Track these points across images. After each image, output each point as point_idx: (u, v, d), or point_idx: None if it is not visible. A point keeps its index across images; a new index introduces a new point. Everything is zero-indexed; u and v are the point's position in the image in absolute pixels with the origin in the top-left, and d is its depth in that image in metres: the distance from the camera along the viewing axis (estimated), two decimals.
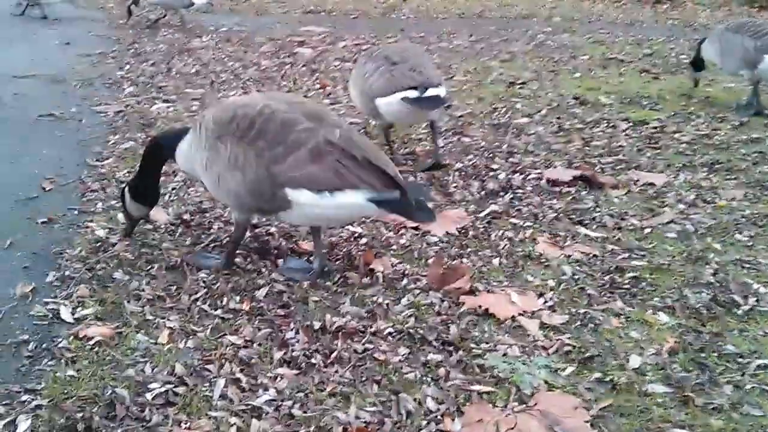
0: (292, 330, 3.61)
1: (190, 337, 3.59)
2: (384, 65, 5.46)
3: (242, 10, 13.88)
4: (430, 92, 5.28)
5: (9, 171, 5.59)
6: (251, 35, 11.22)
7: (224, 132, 3.72)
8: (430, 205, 3.86)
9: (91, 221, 4.72)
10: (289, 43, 10.63)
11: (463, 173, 5.76)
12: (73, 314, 3.74)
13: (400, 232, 4.73)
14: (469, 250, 4.56)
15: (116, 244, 4.42)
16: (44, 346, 3.49)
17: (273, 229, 4.71)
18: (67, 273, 4.10)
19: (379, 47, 6.61)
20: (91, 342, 3.51)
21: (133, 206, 4.34)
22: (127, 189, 4.32)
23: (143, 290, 3.95)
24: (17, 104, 7.33)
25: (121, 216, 4.66)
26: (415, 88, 5.26)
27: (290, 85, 8.35)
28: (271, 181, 3.57)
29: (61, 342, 3.51)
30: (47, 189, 5.28)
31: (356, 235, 4.67)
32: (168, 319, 3.72)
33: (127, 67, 9.08)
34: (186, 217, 4.81)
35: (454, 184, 5.54)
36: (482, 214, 5.03)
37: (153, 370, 3.31)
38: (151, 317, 3.73)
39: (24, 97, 7.59)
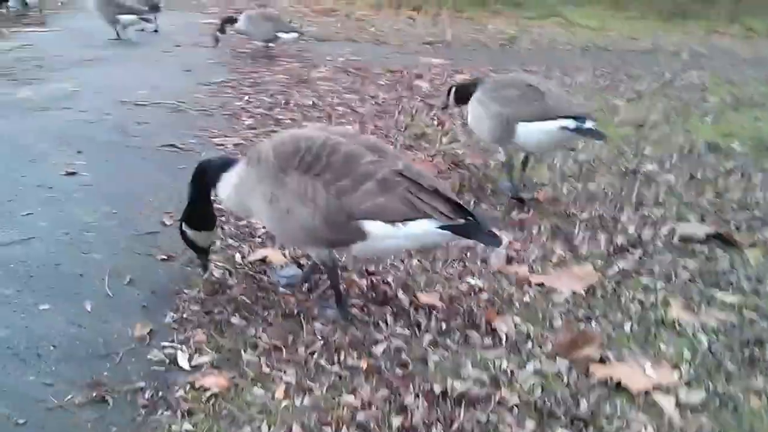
0: (411, 394, 3.48)
1: (307, 394, 3.50)
2: (529, 91, 5.50)
3: (361, 39, 13.95)
4: (589, 124, 5.35)
5: (132, 203, 5.64)
6: (369, 66, 11.23)
7: (288, 165, 3.71)
8: (496, 230, 3.89)
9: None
10: (406, 75, 10.56)
11: (589, 224, 5.55)
12: (190, 361, 3.72)
13: (523, 288, 4.56)
14: (597, 312, 4.35)
15: (233, 287, 4.39)
16: (161, 394, 3.47)
17: (390, 278, 4.60)
18: (185, 315, 4.09)
19: (510, 75, 6.69)
20: (208, 393, 3.46)
21: (197, 236, 4.33)
22: (183, 224, 4.32)
23: (260, 338, 3.91)
24: (141, 133, 7.46)
25: (238, 256, 4.65)
26: (573, 117, 5.30)
27: (407, 120, 8.28)
28: (344, 213, 3.60)
29: (177, 391, 3.47)
30: (167, 224, 5.30)
31: (476, 289, 4.53)
32: (284, 373, 3.66)
33: (246, 98, 9.17)
34: (302, 261, 4.75)
35: (580, 236, 5.34)
36: (610, 272, 4.81)
37: (270, 429, 3.23)
38: (267, 369, 3.67)
39: (147, 126, 7.73)
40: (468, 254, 5.00)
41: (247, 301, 4.26)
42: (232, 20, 12.25)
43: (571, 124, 5.29)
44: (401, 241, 3.63)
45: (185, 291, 4.35)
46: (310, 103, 8.82)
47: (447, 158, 6.81)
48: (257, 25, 11.94)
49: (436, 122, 8.18)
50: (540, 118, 5.37)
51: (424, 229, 3.53)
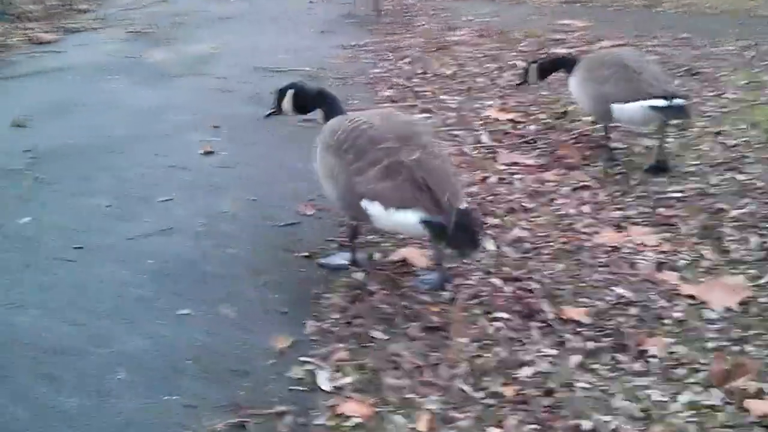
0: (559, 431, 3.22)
1: (450, 426, 3.28)
2: (622, 71, 5.52)
3: None
4: (677, 102, 5.34)
5: (269, 189, 5.52)
6: (508, 29, 10.75)
7: (329, 143, 4.05)
8: (479, 235, 3.86)
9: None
10: (546, 41, 10.06)
11: (739, 222, 5.05)
12: (330, 381, 3.53)
13: (673, 301, 4.19)
14: (752, 332, 3.93)
15: (375, 292, 4.19)
16: (300, 421, 3.30)
17: (534, 285, 4.30)
18: (325, 326, 3.92)
19: (606, 52, 6.75)
20: (350, 422, 3.28)
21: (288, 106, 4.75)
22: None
23: (402, 356, 3.69)
24: None
25: (378, 255, 4.49)
26: (663, 97, 5.30)
27: (548, 95, 7.83)
28: (353, 192, 3.83)
29: (318, 418, 3.31)
30: (307, 214, 5.13)
31: (625, 301, 4.18)
32: (428, 399, 3.43)
33: (384, 64, 8.91)
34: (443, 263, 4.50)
35: (730, 237, 4.86)
36: (764, 281, 4.35)
37: None
38: (410, 395, 3.46)
39: None
40: (614, 257, 4.64)
41: (389, 310, 4.05)
42: None
43: (660, 103, 5.29)
44: (394, 225, 3.83)
45: (325, 295, 4.16)
46: (449, 72, 8.45)
47: (591, 141, 6.36)
48: None
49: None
50: (631, 99, 5.41)
51: (409, 219, 3.65)
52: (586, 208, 5.15)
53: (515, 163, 5.88)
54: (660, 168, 5.72)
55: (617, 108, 5.54)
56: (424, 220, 3.62)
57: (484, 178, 5.61)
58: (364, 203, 3.81)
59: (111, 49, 9.53)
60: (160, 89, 7.84)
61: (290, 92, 4.73)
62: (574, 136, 6.48)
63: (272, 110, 4.89)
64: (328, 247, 4.70)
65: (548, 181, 5.57)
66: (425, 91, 7.75)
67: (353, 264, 4.36)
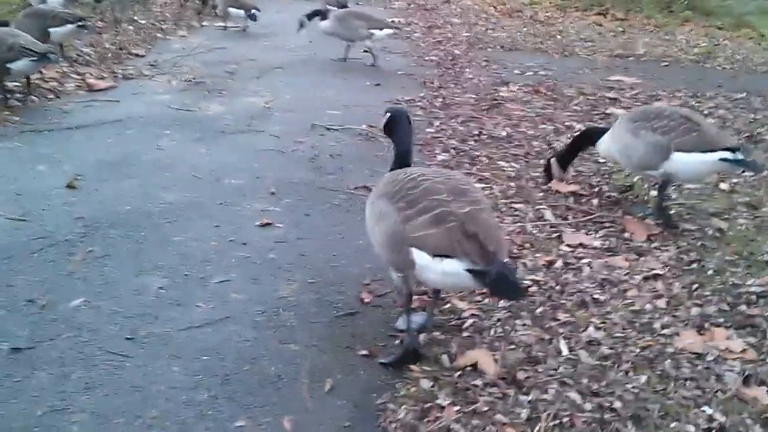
0: None
1: None
2: (684, 121, 5.48)
3: (547, 49, 13.03)
4: (745, 156, 5.31)
5: (329, 269, 5.18)
6: (559, 84, 10.37)
7: (384, 192, 4.04)
8: (520, 286, 3.76)
9: (415, 365, 4.11)
10: (600, 99, 9.66)
11: None
12: None
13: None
14: None
15: (445, 406, 3.79)
16: None
17: (617, 403, 3.88)
18: None
19: (653, 106, 6.91)
20: None
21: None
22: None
23: None
24: (334, 170, 7.04)
25: (445, 358, 4.10)
26: (733, 149, 5.26)
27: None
28: (401, 238, 3.75)
29: None
30: (366, 302, 4.77)
31: (716, 426, 3.73)
32: None
33: (437, 123, 8.56)
34: (519, 375, 4.09)
35: None
36: None
37: None
38: None
39: (339, 159, 7.30)
40: (699, 366, 4.21)
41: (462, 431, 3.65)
42: (322, 15, 11.53)
43: (730, 155, 5.24)
44: (438, 275, 3.67)
45: (390, 406, 3.78)
46: (504, 134, 8.08)
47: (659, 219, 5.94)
48: (348, 26, 11.26)
49: None
50: (699, 149, 5.35)
51: (455, 268, 3.55)
52: (661, 303, 4.73)
53: (581, 245, 5.49)
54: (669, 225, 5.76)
55: (680, 158, 5.42)
56: (469, 269, 3.50)
57: (550, 263, 5.20)
58: (412, 251, 3.72)
59: (165, 99, 9.28)
60: (215, 148, 7.55)
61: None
62: (640, 215, 6.01)
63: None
64: (389, 344, 4.31)
65: (618, 268, 5.15)
66: (481, 156, 7.36)
67: (407, 332, 4.18)
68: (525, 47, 13.18)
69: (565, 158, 6.42)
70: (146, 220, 5.82)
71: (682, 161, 5.44)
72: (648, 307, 4.67)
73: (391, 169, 4.40)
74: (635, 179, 6.59)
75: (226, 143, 7.73)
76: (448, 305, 4.68)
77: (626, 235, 5.67)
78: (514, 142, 7.85)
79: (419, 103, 9.38)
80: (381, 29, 11.39)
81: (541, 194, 6.46)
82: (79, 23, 10.51)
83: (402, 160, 4.46)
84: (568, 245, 5.47)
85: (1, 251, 5.23)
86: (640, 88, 10.18)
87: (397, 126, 4.57)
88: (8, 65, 8.30)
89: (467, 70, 11.32)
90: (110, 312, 4.53)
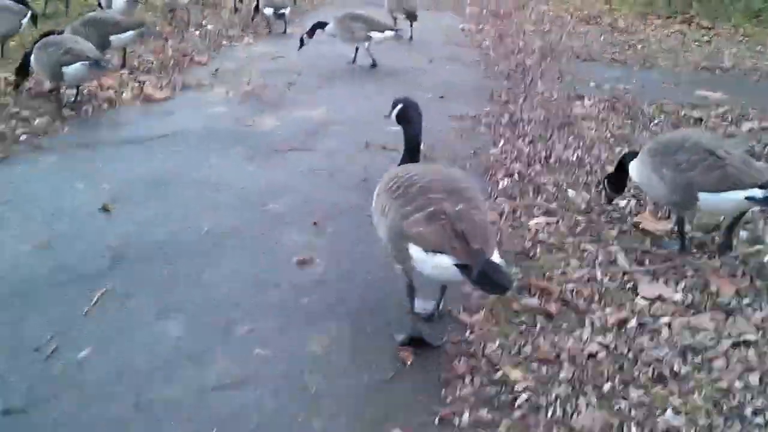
0: None
1: None
2: (707, 156, 4.90)
3: (626, 60, 12.09)
4: None
5: (366, 320, 4.55)
6: (638, 100, 9.49)
7: (384, 188, 4.21)
8: (505, 282, 3.57)
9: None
10: (683, 118, 8.77)
11: None
12: None
13: None
14: None
15: None
16: None
17: None
18: None
19: (679, 133, 5.92)
20: None
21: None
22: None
23: None
24: None
25: None
26: (760, 186, 4.70)
27: None
28: (399, 233, 3.88)
29: None
30: (407, 362, 4.11)
31: None
32: None
33: (502, 143, 7.82)
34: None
35: None
36: None
37: None
38: None
39: None
40: None
41: None
42: (322, 25, 11.24)
43: (758, 193, 4.70)
44: (432, 269, 3.77)
45: None
46: (575, 158, 7.29)
47: (751, 269, 5.11)
48: (347, 28, 10.92)
49: None
50: (723, 188, 4.82)
51: (444, 263, 3.65)
52: (753, 379, 3.94)
53: (660, 298, 4.70)
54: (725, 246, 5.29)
55: (705, 197, 4.92)
56: (456, 264, 3.59)
57: (622, 322, 4.44)
58: (409, 245, 3.83)
59: (220, 112, 8.78)
60: (264, 167, 7.00)
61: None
62: (727, 260, 5.19)
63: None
64: (428, 422, 3.63)
65: (703, 330, 4.37)
66: (547, 184, 6.59)
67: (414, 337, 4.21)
68: (602, 57, 12.28)
69: (618, 180, 5.86)
70: (178, 251, 5.28)
71: (706, 201, 4.95)
72: (738, 384, 3.87)
73: (400, 163, 4.59)
74: (720, 217, 5.74)
75: (276, 162, 7.15)
76: (499, 373, 3.96)
77: (712, 287, 4.83)
78: (585, 167, 7.05)
79: (484, 120, 8.65)
80: (381, 32, 10.97)
81: (615, 231, 5.67)
82: (141, 29, 10.14)
83: (412, 154, 4.63)
84: (644, 298, 4.70)
85: (18, 285, 4.80)
86: (727, 105, 9.21)
87: (409, 116, 4.69)
88: (63, 68, 8.11)
89: (539, 82, 10.51)
90: (118, 367, 4.00)
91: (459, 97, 9.69)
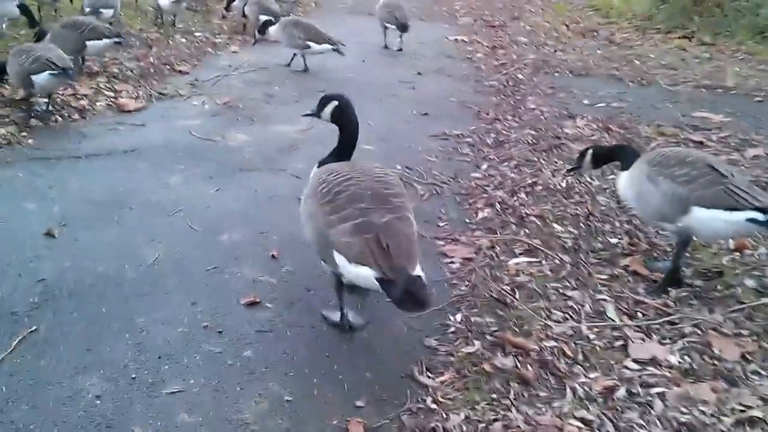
0: None
1: None
2: (709, 172, 4.54)
3: (622, 76, 11.36)
4: None
5: (313, 379, 3.83)
6: (633, 120, 8.80)
7: (314, 192, 4.08)
8: (423, 299, 3.41)
9: None
10: (682, 142, 8.07)
11: None
12: None
13: None
14: None
15: None
16: None
17: None
18: None
19: (679, 149, 5.76)
20: None
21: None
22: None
23: None
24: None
25: None
26: (763, 210, 4.28)
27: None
28: (325, 240, 3.83)
29: None
30: None
31: None
32: None
33: (485, 166, 7.15)
34: None
35: None
36: None
37: None
38: None
39: None
40: None
41: None
42: (272, 23, 11.11)
43: (760, 217, 4.29)
44: (357, 279, 3.72)
45: None
46: (563, 185, 6.59)
47: (757, 328, 4.42)
48: (289, 33, 10.66)
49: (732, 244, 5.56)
50: (724, 207, 4.41)
51: (366, 275, 3.60)
52: None
53: (653, 360, 4.01)
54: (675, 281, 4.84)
55: (701, 214, 4.50)
56: (378, 278, 3.53)
57: (609, 391, 3.75)
58: (334, 253, 3.78)
59: (191, 125, 8.09)
60: (226, 188, 6.33)
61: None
62: (731, 314, 4.50)
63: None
64: None
65: (702, 403, 3.68)
66: (532, 215, 5.91)
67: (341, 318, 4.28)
68: (597, 73, 11.58)
69: (603, 156, 5.46)
70: (115, 288, 4.63)
71: (701, 218, 4.52)
72: None
73: (329, 160, 4.48)
74: (724, 261, 5.06)
75: (239, 183, 6.47)
76: None
77: (714, 349, 4.14)
78: (574, 197, 6.38)
79: (468, 139, 7.99)
80: (319, 43, 10.58)
81: (604, 275, 4.98)
82: (116, 39, 9.50)
83: (344, 152, 4.49)
84: (636, 360, 4.02)
85: None
86: (730, 129, 8.51)
87: (345, 114, 4.50)
88: (32, 77, 7.58)
89: (530, 98, 9.83)
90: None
91: (444, 113, 9.03)
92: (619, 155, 5.27)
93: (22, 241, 5.15)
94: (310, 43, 10.61)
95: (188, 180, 6.50)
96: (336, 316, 4.32)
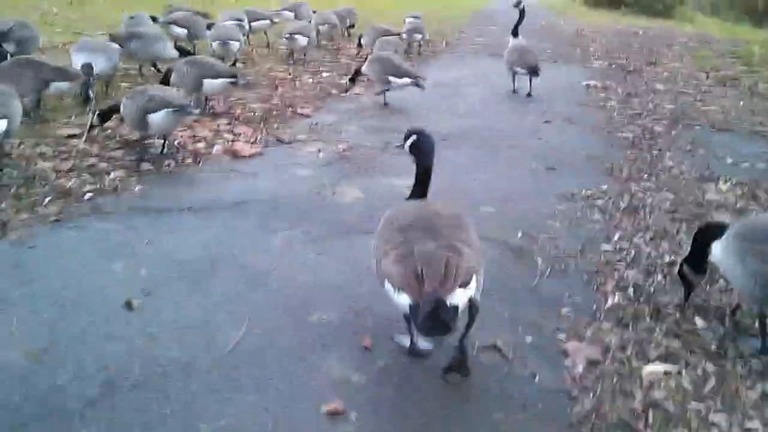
0: None
1: None
2: None
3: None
4: None
5: None
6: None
7: (379, 227, 4.17)
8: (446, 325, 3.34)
9: None
10: None
11: None
12: None
13: None
14: None
15: None
16: None
17: None
18: None
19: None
20: None
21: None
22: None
23: None
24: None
25: None
26: None
27: None
28: (380, 271, 3.86)
29: None
30: None
31: None
32: None
33: (617, 236, 6.17)
34: None
35: None
36: None
37: None
38: None
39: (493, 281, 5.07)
40: None
41: None
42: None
43: None
44: (400, 308, 3.66)
45: None
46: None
47: None
48: (372, 69, 10.52)
49: None
50: None
51: (403, 302, 3.56)
52: None
53: None
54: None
55: None
56: (410, 305, 3.48)
57: None
58: (385, 282, 3.76)
59: (303, 176, 7.50)
60: (326, 255, 5.65)
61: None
62: None
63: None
64: None
65: None
66: (670, 305, 4.89)
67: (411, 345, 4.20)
68: (740, 127, 10.28)
69: (697, 260, 4.67)
70: (183, 381, 3.97)
71: None
72: None
73: (409, 197, 4.44)
74: None
75: (341, 249, 5.75)
76: None
77: None
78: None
79: (598, 201, 6.98)
80: (400, 77, 10.37)
81: (756, 393, 3.95)
82: (231, 79, 9.11)
83: (421, 187, 4.42)
84: None
85: None
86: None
87: (420, 148, 4.43)
88: (148, 116, 7.28)
89: (667, 153, 8.71)
90: None
91: (572, 169, 8.06)
92: (708, 238, 4.56)
93: (97, 313, 4.60)
94: (391, 78, 10.34)
95: (288, 242, 5.84)
96: (406, 341, 4.22)
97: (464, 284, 3.55)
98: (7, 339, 4.25)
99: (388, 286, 3.73)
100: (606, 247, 5.96)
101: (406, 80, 10.37)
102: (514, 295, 5.08)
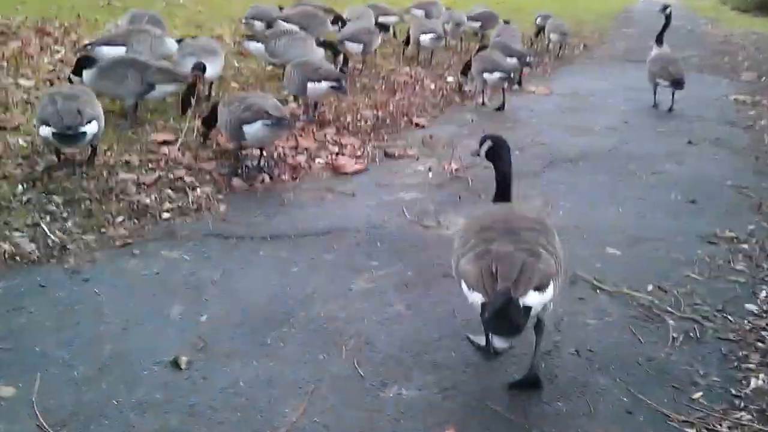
0: None
1: None
2: None
3: None
4: None
5: None
6: None
7: (462, 228, 4.12)
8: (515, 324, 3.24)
9: None
10: None
11: None
12: None
13: None
14: None
15: None
16: None
17: None
18: None
19: None
20: None
21: None
22: None
23: None
24: (580, 377, 3.83)
25: None
26: None
27: None
28: (457, 271, 3.73)
29: None
30: None
31: None
32: None
33: (764, 294, 4.98)
34: None
35: None
36: None
37: None
38: None
39: (590, 358, 4.16)
40: None
41: None
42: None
43: None
44: (473, 307, 3.54)
45: None
46: None
47: None
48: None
49: None
50: None
51: (476, 300, 3.45)
52: None
53: None
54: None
55: None
56: (482, 303, 3.37)
57: None
58: (462, 281, 3.63)
59: (406, 200, 6.72)
60: (418, 305, 4.81)
61: None
62: None
63: None
64: None
65: None
66: None
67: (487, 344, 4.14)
68: None
69: None
70: None
71: None
72: None
73: (494, 200, 4.25)
74: None
75: (437, 298, 4.87)
76: None
77: None
78: None
79: (744, 246, 5.77)
80: (491, 72, 9.93)
81: None
82: (333, 84, 8.30)
83: (504, 191, 4.20)
84: None
85: None
86: None
87: (497, 153, 4.24)
88: (243, 126, 6.57)
89: None
90: None
91: (716, 202, 6.82)
92: None
93: (135, 374, 3.88)
94: (485, 74, 9.89)
95: (376, 286, 5.00)
96: (481, 341, 4.17)
97: (540, 288, 3.35)
98: (25, 406, 3.59)
99: (463, 285, 3.60)
100: (751, 307, 4.80)
101: (497, 74, 9.89)
102: (636, 370, 4.04)
